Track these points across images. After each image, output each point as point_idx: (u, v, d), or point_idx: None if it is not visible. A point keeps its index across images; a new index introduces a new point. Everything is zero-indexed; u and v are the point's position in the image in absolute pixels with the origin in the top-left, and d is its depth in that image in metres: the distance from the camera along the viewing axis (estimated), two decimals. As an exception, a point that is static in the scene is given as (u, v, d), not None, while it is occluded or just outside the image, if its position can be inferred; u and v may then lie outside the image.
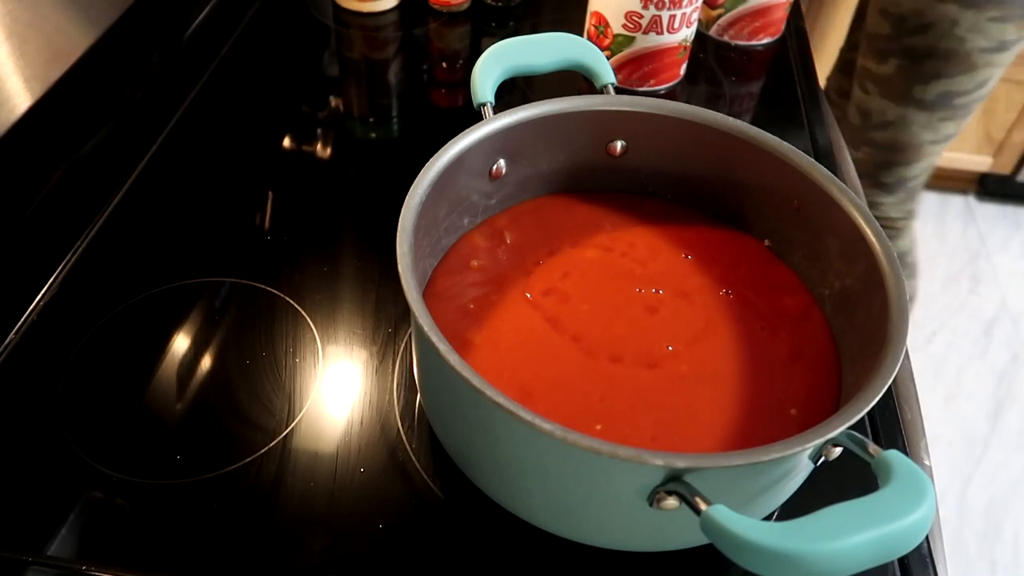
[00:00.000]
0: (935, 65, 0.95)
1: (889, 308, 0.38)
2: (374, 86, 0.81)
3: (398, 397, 0.50)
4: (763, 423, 0.41)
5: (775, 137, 0.47)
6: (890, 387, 0.36)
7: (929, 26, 0.92)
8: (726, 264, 0.50)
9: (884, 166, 1.07)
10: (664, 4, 0.69)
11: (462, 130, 0.46)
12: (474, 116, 0.48)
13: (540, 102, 0.48)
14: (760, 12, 0.82)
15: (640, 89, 0.76)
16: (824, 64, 1.62)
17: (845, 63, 1.20)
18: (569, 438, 0.32)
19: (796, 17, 0.91)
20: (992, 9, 0.89)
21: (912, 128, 1.02)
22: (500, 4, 0.88)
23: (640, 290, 0.48)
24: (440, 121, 0.76)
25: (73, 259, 0.57)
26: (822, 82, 1.17)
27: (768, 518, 0.42)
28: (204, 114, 0.72)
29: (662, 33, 0.72)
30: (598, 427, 0.40)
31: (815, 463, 0.38)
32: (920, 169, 1.08)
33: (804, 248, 0.48)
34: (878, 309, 0.40)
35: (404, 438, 0.48)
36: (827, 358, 0.44)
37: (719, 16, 0.83)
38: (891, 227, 1.14)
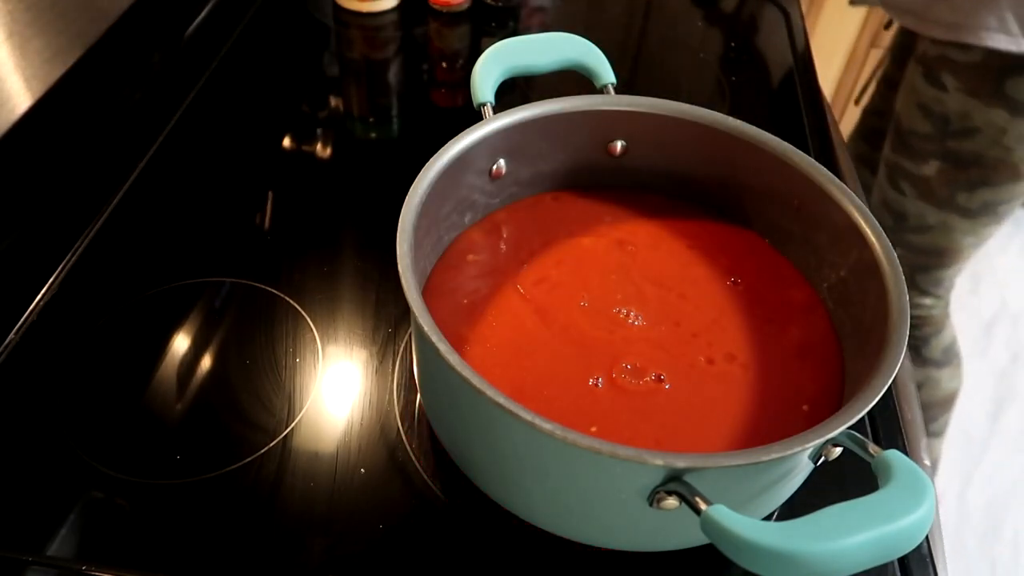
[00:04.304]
0: (981, 173, 0.88)
1: (889, 307, 0.38)
2: (374, 86, 0.81)
3: (398, 397, 0.50)
4: (776, 420, 0.41)
5: (775, 137, 0.47)
6: (890, 387, 0.36)
7: (975, 131, 0.85)
8: (730, 255, 0.50)
9: (922, 270, 1.01)
10: None
11: (462, 130, 0.46)
12: (474, 116, 0.48)
13: (540, 102, 0.48)
14: None
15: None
16: (824, 64, 1.62)
17: (869, 130, 1.11)
18: (569, 438, 0.32)
19: (796, 17, 0.91)
20: None
21: (954, 234, 0.95)
22: (500, 4, 0.88)
23: (641, 279, 0.48)
24: (440, 121, 0.76)
25: (73, 259, 0.57)
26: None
27: (768, 518, 0.42)
28: (204, 114, 0.72)
29: None
30: (593, 429, 0.40)
31: (815, 463, 0.38)
32: (959, 269, 1.02)
33: (805, 245, 0.48)
34: (874, 302, 0.40)
35: (404, 438, 0.48)
36: (833, 353, 0.44)
37: None
38: (930, 324, 1.06)
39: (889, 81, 1.03)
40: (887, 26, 1.05)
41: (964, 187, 0.89)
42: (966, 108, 0.84)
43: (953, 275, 1.02)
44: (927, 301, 1.04)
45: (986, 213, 0.92)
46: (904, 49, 0.98)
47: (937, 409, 1.15)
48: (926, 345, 1.08)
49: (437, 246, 0.48)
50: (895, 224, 0.98)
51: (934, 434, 1.19)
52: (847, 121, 1.73)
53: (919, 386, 1.11)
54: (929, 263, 1.00)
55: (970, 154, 0.87)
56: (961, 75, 0.84)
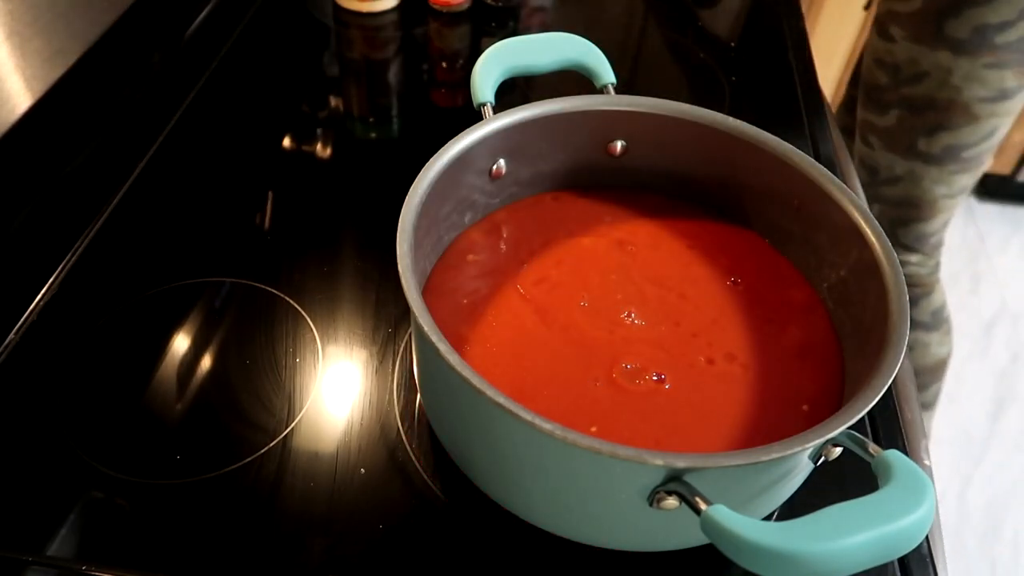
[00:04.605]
0: (937, 117, 0.91)
1: (889, 307, 0.38)
2: (374, 86, 0.81)
3: (398, 397, 0.50)
4: (776, 420, 0.41)
5: (775, 137, 0.47)
6: (890, 387, 0.36)
7: (924, 75, 0.89)
8: (730, 255, 0.50)
9: (901, 223, 1.01)
10: None
11: (462, 130, 0.46)
12: (474, 116, 0.48)
13: (540, 102, 0.48)
14: None
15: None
16: (824, 64, 1.62)
17: (851, 100, 1.13)
18: (569, 438, 0.32)
19: (796, 17, 0.91)
20: (986, 55, 0.84)
21: (924, 183, 0.96)
22: (500, 4, 0.88)
23: (641, 279, 0.48)
24: (440, 121, 0.76)
25: (73, 259, 0.57)
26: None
27: (768, 518, 0.42)
28: (204, 114, 0.72)
29: None
30: (593, 429, 0.40)
31: (815, 463, 0.38)
32: (940, 224, 1.02)
33: (805, 245, 0.48)
34: (874, 302, 0.40)
35: (404, 438, 0.48)
36: (833, 353, 0.44)
37: None
38: (918, 285, 1.08)
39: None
40: (866, 7, 1.07)
41: (923, 132, 0.93)
42: (912, 54, 0.89)
43: (936, 231, 1.04)
44: (913, 258, 1.05)
45: (951, 160, 0.94)
46: None
47: (927, 376, 1.15)
48: (915, 306, 1.09)
49: (437, 246, 0.48)
50: (870, 179, 1.00)
51: (925, 405, 1.19)
52: (847, 121, 1.73)
53: (908, 350, 1.11)
54: (908, 216, 1.01)
55: (922, 98, 0.91)
56: (905, 24, 0.89)
